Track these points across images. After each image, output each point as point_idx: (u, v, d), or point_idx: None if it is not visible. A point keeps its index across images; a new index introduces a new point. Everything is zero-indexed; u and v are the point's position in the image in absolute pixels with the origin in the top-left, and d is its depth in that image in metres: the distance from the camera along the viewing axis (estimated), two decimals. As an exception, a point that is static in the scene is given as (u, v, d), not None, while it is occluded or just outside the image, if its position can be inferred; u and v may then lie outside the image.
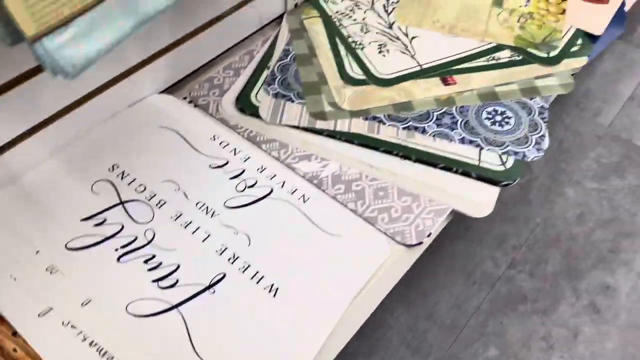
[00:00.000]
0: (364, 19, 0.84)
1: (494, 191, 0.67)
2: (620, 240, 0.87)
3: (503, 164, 0.68)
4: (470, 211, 0.65)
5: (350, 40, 0.81)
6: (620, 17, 0.88)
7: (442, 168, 0.68)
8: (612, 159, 0.98)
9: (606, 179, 0.95)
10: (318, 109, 0.72)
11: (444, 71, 0.78)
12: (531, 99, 0.76)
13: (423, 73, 0.77)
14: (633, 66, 1.12)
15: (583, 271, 0.83)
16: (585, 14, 0.86)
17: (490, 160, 0.69)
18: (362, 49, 0.80)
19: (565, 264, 0.84)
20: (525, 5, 0.86)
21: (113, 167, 0.63)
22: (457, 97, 0.75)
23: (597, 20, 0.85)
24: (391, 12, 0.86)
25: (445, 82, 0.76)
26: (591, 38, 0.83)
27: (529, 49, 0.81)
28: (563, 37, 0.83)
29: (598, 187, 0.94)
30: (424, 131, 0.71)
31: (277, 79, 0.75)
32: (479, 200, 0.66)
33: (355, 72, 0.77)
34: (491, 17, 0.85)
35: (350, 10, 0.86)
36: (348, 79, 0.76)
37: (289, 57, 0.79)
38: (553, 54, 0.80)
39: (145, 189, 0.61)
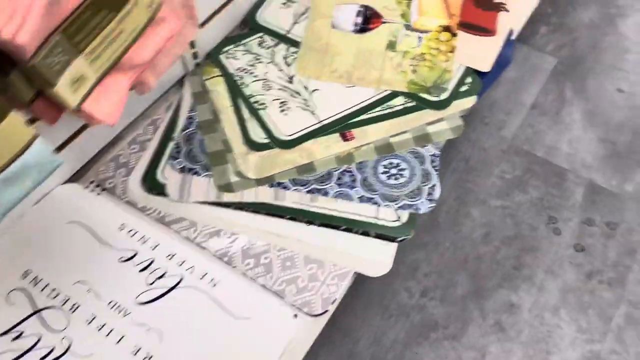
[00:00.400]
0: (265, 74, 0.87)
1: (391, 248, 0.73)
2: (523, 256, 0.95)
3: (398, 219, 0.74)
4: (370, 272, 0.71)
5: (252, 100, 0.84)
6: (507, 47, 0.93)
7: (344, 230, 0.73)
8: (515, 173, 1.05)
9: (510, 195, 1.03)
10: (224, 181, 0.76)
11: (343, 126, 0.82)
12: (424, 146, 0.81)
13: (323, 130, 0.82)
14: (535, 72, 1.19)
15: (489, 291, 0.91)
16: (473, 50, 0.91)
17: (387, 216, 0.74)
18: (264, 109, 0.83)
19: (473, 286, 0.92)
20: (418, 47, 0.91)
21: (26, 273, 0.65)
22: (356, 152, 0.80)
23: (485, 56, 0.90)
24: (291, 64, 0.89)
25: (344, 137, 0.81)
26: (480, 74, 0.89)
27: (420, 94, 0.86)
28: (453, 77, 0.88)
29: (502, 204, 1.02)
30: (326, 193, 0.76)
31: (183, 151, 0.78)
32: (378, 259, 0.72)
33: (259, 135, 0.80)
34: (385, 62, 0.89)
35: (252, 66, 0.88)
36: (252, 144, 0.79)
37: (193, 124, 0.81)
38: (444, 96, 0.86)
39: (58, 293, 0.64)
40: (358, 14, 0.93)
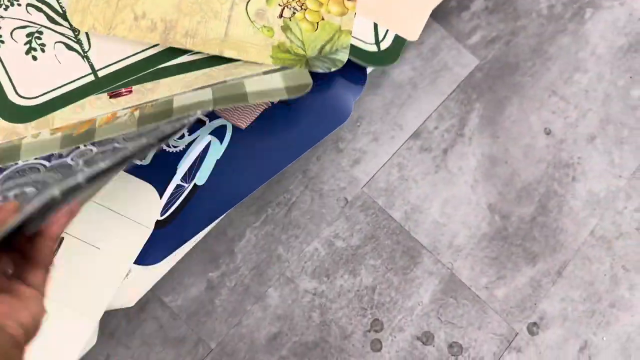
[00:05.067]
0: None
1: None
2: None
3: None
4: None
5: None
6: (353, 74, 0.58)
7: None
8: (350, 241, 0.75)
9: (332, 275, 0.74)
10: None
11: (130, 81, 0.51)
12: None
13: (97, 87, 0.51)
14: (439, 76, 0.84)
15: None
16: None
17: None
18: None
19: (228, 416, 0.66)
20: None
21: None
22: (105, 126, 0.49)
23: (411, 13, 0.56)
24: None
25: (116, 94, 0.51)
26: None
27: (298, 67, 0.54)
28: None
29: (315, 289, 0.73)
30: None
31: None
32: None
33: None
34: (236, 8, 0.54)
35: None
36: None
37: None
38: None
39: None
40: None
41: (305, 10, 0.56)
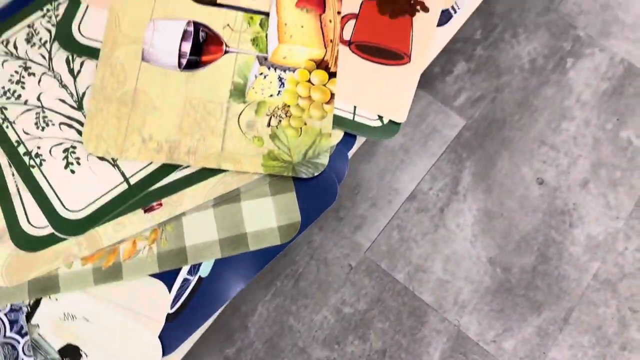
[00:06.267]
0: (39, 96, 0.59)
1: None
2: None
3: None
4: None
5: (22, 151, 0.57)
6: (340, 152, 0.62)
7: None
8: (358, 306, 0.78)
9: (342, 342, 0.77)
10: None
11: (157, 189, 0.57)
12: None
13: (131, 195, 0.56)
14: (428, 140, 0.88)
15: None
16: (372, 87, 0.61)
17: None
18: (40, 165, 0.57)
19: None
20: (279, 94, 0.60)
21: None
22: (129, 261, 0.55)
23: (395, 99, 0.60)
24: (79, 72, 0.59)
25: (149, 209, 0.57)
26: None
27: (285, 175, 0.58)
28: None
29: (327, 358, 0.76)
30: None
31: None
32: None
33: (36, 221, 0.55)
34: (229, 122, 0.59)
35: (18, 82, 0.59)
36: (22, 239, 0.54)
37: None
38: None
39: None
40: (185, 36, 0.59)
41: (289, 117, 0.61)
